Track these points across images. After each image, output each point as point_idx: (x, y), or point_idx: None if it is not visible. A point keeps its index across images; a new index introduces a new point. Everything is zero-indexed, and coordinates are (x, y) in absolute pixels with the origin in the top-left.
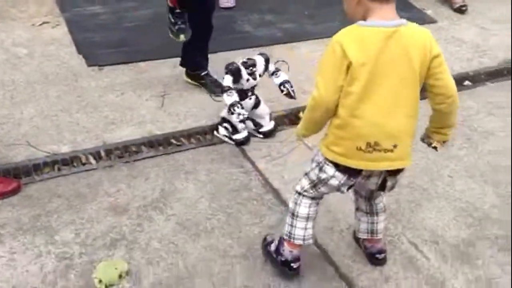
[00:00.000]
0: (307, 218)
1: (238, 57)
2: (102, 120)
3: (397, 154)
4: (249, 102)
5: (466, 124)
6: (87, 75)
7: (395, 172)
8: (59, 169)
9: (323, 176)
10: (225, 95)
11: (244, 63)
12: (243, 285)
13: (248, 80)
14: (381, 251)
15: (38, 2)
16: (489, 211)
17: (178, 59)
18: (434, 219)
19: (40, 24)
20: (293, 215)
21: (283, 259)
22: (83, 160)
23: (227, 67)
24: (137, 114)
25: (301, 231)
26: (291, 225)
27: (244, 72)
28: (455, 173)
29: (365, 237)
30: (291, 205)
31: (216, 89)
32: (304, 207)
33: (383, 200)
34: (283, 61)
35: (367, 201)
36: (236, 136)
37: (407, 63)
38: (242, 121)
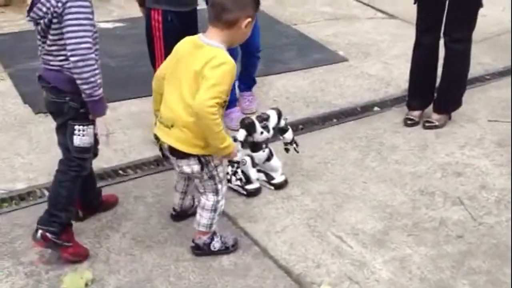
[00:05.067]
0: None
1: None
2: (54, 159)
3: (173, 134)
4: (262, 154)
5: (376, 141)
6: (35, 121)
7: (177, 153)
8: (16, 204)
9: None
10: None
11: (258, 117)
12: (197, 281)
13: (262, 133)
14: (193, 240)
15: None
16: (398, 207)
17: (118, 103)
18: (354, 216)
19: None
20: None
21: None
22: (39, 194)
23: (242, 121)
24: None
25: None
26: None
27: (258, 126)
28: (369, 180)
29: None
30: None
31: None
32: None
33: (209, 200)
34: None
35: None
36: (249, 187)
37: (190, 67)
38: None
